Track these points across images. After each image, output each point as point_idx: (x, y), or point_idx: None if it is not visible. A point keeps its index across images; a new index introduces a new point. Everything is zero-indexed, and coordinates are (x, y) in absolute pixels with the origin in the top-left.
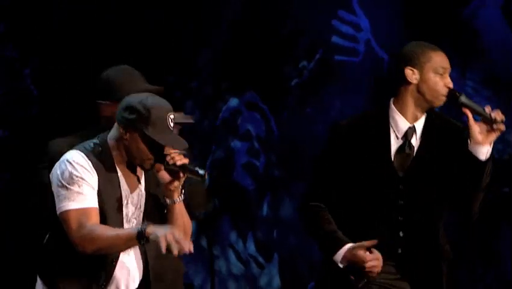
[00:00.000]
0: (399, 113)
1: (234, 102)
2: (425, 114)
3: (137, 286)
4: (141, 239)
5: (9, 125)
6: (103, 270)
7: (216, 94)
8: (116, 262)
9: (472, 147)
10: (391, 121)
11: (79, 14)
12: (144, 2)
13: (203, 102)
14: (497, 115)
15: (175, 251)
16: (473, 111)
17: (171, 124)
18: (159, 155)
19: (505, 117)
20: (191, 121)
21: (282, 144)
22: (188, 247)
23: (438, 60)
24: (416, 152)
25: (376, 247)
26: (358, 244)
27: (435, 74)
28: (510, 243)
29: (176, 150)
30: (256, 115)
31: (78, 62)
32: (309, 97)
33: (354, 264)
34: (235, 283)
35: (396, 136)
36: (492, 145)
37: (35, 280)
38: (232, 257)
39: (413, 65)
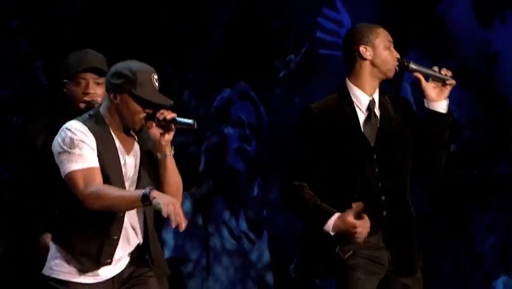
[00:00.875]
0: (358, 89)
1: (227, 92)
2: (379, 87)
3: (140, 241)
4: (145, 201)
5: (22, 112)
6: (113, 227)
7: (211, 84)
8: (123, 218)
9: (430, 105)
10: (352, 98)
11: (85, 12)
12: (144, 1)
13: (199, 92)
14: (446, 72)
15: (173, 224)
16: (424, 74)
17: (156, 84)
18: (149, 113)
19: (474, 103)
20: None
21: (271, 130)
22: (184, 223)
23: (385, 35)
24: (380, 121)
25: (367, 211)
26: (346, 211)
27: (384, 49)
28: (480, 224)
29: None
30: (248, 104)
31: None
32: (295, 87)
33: (344, 231)
34: (228, 258)
35: (361, 110)
36: (448, 100)
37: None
38: (226, 234)
39: (365, 43)
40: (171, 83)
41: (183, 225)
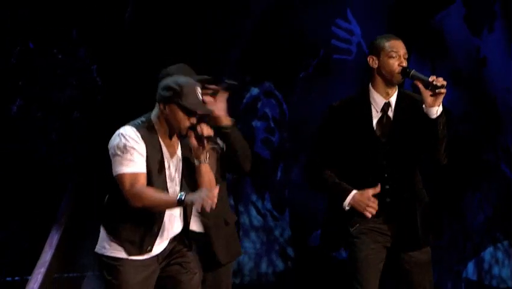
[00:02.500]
0: (375, 92)
1: (254, 90)
2: (396, 91)
3: (179, 230)
4: (180, 204)
5: (81, 108)
6: (154, 221)
7: (241, 84)
8: (164, 214)
9: (426, 109)
10: (371, 99)
11: (134, 22)
12: (186, 10)
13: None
14: (438, 81)
15: (207, 208)
16: (423, 82)
17: (199, 95)
18: (193, 124)
19: (465, 100)
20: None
21: (292, 124)
22: (213, 205)
23: (390, 46)
24: (392, 122)
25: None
26: (365, 190)
27: (388, 58)
28: (471, 203)
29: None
30: (272, 101)
31: (134, 59)
32: (313, 86)
33: (359, 203)
34: (255, 233)
35: (376, 110)
36: (440, 105)
37: None
38: (253, 212)
39: (373, 54)
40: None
41: (213, 206)
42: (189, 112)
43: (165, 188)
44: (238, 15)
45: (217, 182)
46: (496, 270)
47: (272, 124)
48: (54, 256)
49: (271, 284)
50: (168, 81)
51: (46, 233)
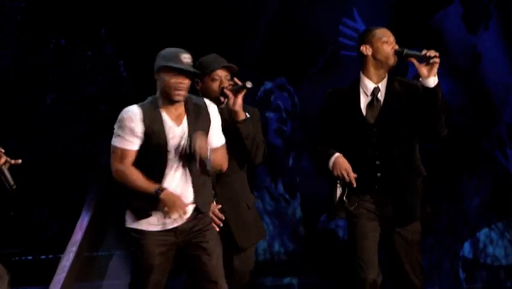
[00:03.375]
0: (366, 78)
1: (268, 84)
2: (386, 77)
3: (188, 200)
4: (156, 196)
5: (108, 100)
6: (157, 177)
7: (256, 79)
8: (164, 179)
9: (423, 82)
10: (361, 85)
11: (156, 19)
12: (202, 9)
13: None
14: (431, 52)
15: (171, 216)
16: (416, 57)
17: (184, 60)
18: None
19: (463, 93)
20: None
21: (302, 115)
22: (181, 214)
23: (381, 33)
24: (382, 104)
25: (361, 173)
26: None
27: (382, 43)
28: (468, 188)
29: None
30: (285, 94)
31: (153, 55)
32: (322, 81)
33: (337, 165)
34: (269, 215)
35: (366, 94)
36: (436, 76)
37: None
38: (267, 196)
39: (365, 43)
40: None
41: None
42: (176, 71)
43: (164, 161)
44: (254, 15)
45: (234, 172)
46: (490, 249)
47: (284, 115)
48: (84, 237)
49: (283, 263)
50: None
51: (76, 216)
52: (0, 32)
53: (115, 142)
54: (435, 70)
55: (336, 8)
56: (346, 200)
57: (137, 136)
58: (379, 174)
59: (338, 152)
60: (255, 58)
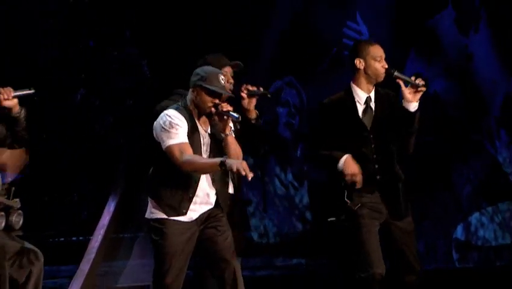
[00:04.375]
0: (358, 88)
1: (278, 82)
2: (374, 87)
3: (212, 200)
4: (222, 166)
5: (132, 96)
6: (190, 188)
7: (267, 78)
8: (198, 183)
9: (405, 104)
10: (354, 95)
11: (176, 22)
12: (220, 10)
13: (259, 83)
14: (420, 81)
15: (243, 173)
16: (404, 80)
17: (222, 81)
18: (215, 103)
19: (456, 89)
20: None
21: (309, 110)
22: (250, 174)
23: (375, 51)
24: (374, 112)
25: (365, 176)
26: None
27: (374, 61)
28: (460, 177)
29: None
30: (293, 91)
31: (176, 54)
32: (328, 78)
33: (347, 166)
34: (279, 201)
35: (360, 103)
36: (418, 101)
37: None
38: (277, 183)
39: (359, 56)
40: (240, 80)
41: (250, 175)
42: (212, 94)
43: None
44: (266, 21)
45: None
46: (481, 232)
47: (293, 110)
48: (111, 221)
49: (291, 243)
50: (199, 70)
51: (104, 202)
52: (36, 35)
53: (170, 142)
54: (419, 96)
55: (340, 12)
56: (347, 201)
57: (185, 133)
58: (378, 177)
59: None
60: (268, 58)
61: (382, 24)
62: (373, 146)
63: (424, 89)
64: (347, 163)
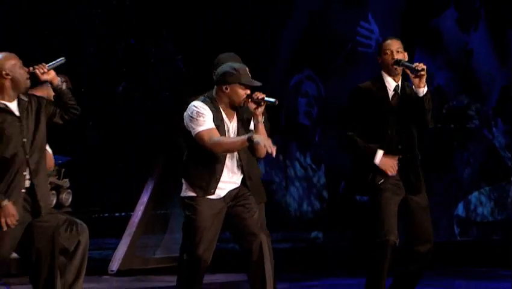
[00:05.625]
0: (388, 77)
1: (298, 76)
2: (400, 78)
3: (237, 180)
4: (249, 141)
5: (168, 88)
6: (217, 171)
7: (288, 72)
8: (224, 166)
9: (415, 90)
10: (385, 82)
11: (211, 22)
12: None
13: (281, 76)
14: (419, 66)
15: (269, 150)
16: (409, 68)
17: (249, 74)
18: (248, 94)
19: (457, 82)
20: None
21: (326, 100)
22: (274, 149)
23: (384, 45)
24: (400, 98)
25: (389, 155)
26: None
27: (385, 54)
28: (461, 160)
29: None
30: (312, 83)
31: (207, 50)
32: (342, 72)
33: (385, 164)
34: (299, 181)
35: (390, 90)
36: (425, 86)
37: None
38: (297, 166)
39: (379, 52)
40: (267, 74)
41: (274, 150)
42: (247, 87)
43: None
44: (287, 21)
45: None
46: (479, 210)
47: (312, 100)
48: (149, 199)
49: (310, 220)
50: (226, 68)
51: (143, 181)
52: (82, 34)
53: (199, 129)
54: (423, 80)
55: (354, 13)
56: (371, 177)
57: (212, 120)
58: (400, 157)
59: (364, 137)
60: (287, 55)
61: (391, 24)
62: (397, 128)
63: (423, 73)
64: (384, 162)
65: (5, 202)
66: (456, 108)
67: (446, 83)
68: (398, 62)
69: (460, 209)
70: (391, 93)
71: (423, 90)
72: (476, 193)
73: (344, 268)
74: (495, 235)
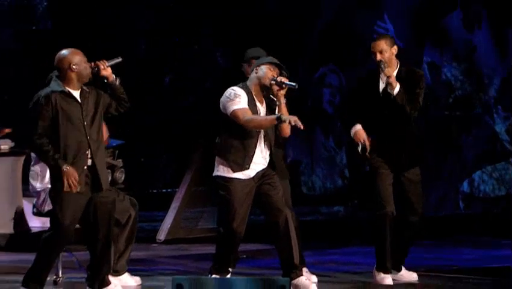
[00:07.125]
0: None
1: (322, 69)
2: (396, 68)
3: (265, 161)
4: (278, 120)
5: (210, 80)
6: (251, 147)
7: (314, 65)
8: (256, 144)
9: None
10: (381, 74)
11: (240, 19)
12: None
13: (307, 69)
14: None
15: (298, 124)
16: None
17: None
18: (274, 78)
19: (463, 75)
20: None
21: (347, 90)
22: (301, 125)
23: (371, 47)
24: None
25: (380, 135)
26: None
27: (373, 54)
28: (466, 142)
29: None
30: (334, 75)
31: (242, 46)
32: (361, 66)
33: (357, 135)
34: (322, 161)
35: (382, 81)
36: (396, 88)
37: None
38: (322, 148)
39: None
40: (296, 67)
41: (301, 125)
42: (272, 67)
43: (257, 130)
44: (313, 18)
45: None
46: (482, 187)
47: (334, 91)
48: (192, 177)
49: (333, 195)
50: (257, 53)
51: (186, 163)
52: (132, 34)
53: (234, 107)
54: (394, 83)
55: (371, 13)
56: (362, 153)
57: (246, 102)
58: (392, 136)
59: (362, 119)
60: (313, 50)
61: (404, 23)
62: (387, 113)
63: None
64: (356, 133)
65: (67, 166)
66: (462, 97)
67: (452, 75)
68: (379, 63)
69: (465, 186)
70: (383, 84)
71: (397, 89)
72: (479, 172)
73: (362, 238)
74: (496, 208)
